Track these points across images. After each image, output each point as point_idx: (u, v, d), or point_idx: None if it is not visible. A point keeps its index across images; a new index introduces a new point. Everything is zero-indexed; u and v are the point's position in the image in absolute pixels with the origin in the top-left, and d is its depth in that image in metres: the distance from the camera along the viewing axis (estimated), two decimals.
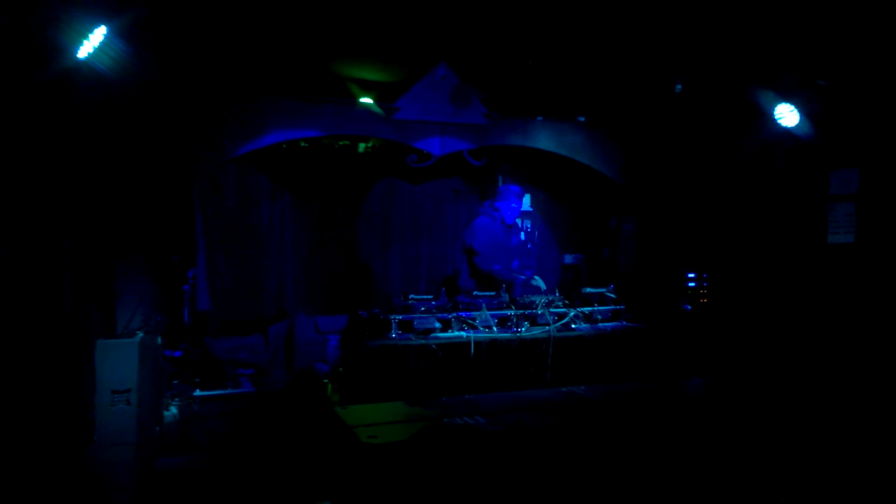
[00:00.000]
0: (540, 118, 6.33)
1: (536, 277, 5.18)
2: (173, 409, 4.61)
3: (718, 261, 5.81)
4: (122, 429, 3.84)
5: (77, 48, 3.66)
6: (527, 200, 7.06)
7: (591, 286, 5.34)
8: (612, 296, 5.23)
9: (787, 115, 4.99)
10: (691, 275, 5.86)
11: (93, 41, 3.66)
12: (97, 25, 3.64)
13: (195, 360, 5.13)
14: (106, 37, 3.71)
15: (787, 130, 5.05)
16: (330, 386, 4.84)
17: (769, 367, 4.99)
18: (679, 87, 5.45)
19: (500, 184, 6.51)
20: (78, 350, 3.92)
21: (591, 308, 5.08)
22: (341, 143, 6.23)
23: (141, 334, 4.18)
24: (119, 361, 3.87)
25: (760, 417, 3.98)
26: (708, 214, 5.99)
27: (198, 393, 4.88)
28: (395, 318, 4.46)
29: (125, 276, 4.43)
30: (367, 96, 5.59)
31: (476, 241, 5.26)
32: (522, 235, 5.59)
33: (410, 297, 4.61)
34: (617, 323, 5.13)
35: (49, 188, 3.74)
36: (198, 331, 5.35)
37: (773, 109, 5.04)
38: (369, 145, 6.35)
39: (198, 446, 4.20)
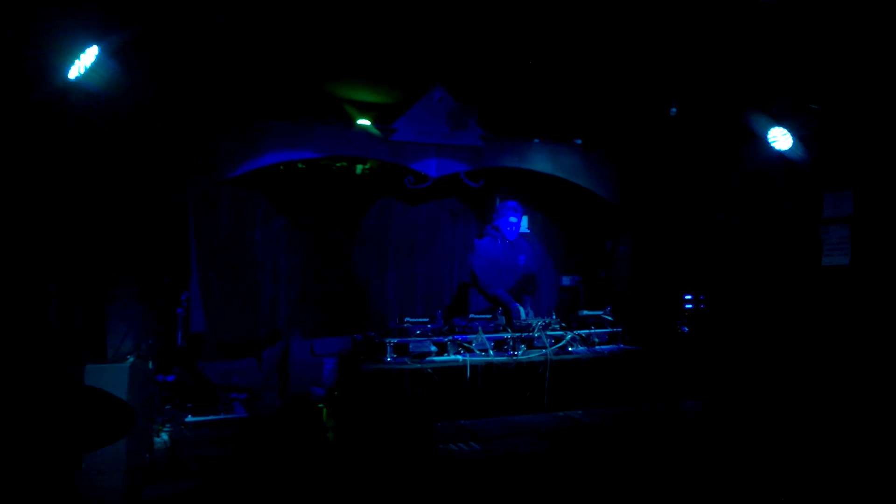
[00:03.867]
0: (536, 140, 6.35)
1: (517, 305, 5.13)
2: (164, 436, 4.53)
3: (714, 283, 5.79)
4: (112, 456, 3.78)
5: (68, 68, 3.63)
6: (524, 222, 7.05)
7: (589, 308, 5.31)
8: (609, 318, 5.20)
9: (780, 138, 5.02)
10: (688, 297, 5.83)
11: (84, 61, 3.63)
12: (89, 45, 3.62)
13: (187, 385, 5.05)
14: (98, 57, 3.68)
15: (780, 154, 5.08)
16: (325, 411, 4.77)
17: (766, 389, 4.94)
18: (674, 110, 5.50)
19: (497, 202, 6.49)
20: (67, 376, 3.84)
21: (587, 331, 5.04)
22: (339, 164, 6.23)
23: (132, 359, 4.12)
24: (109, 387, 3.82)
25: (758, 440, 3.93)
26: (703, 236, 5.99)
27: (189, 419, 4.80)
28: (390, 342, 4.42)
29: (116, 300, 4.36)
30: (365, 118, 5.60)
31: (476, 265, 5.27)
32: (522, 258, 5.54)
33: (406, 319, 4.57)
34: (614, 346, 5.09)
35: (36, 211, 3.69)
36: (190, 354, 5.28)
37: (767, 133, 5.07)
38: (367, 167, 6.35)
39: (188, 473, 4.11)
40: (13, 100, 3.47)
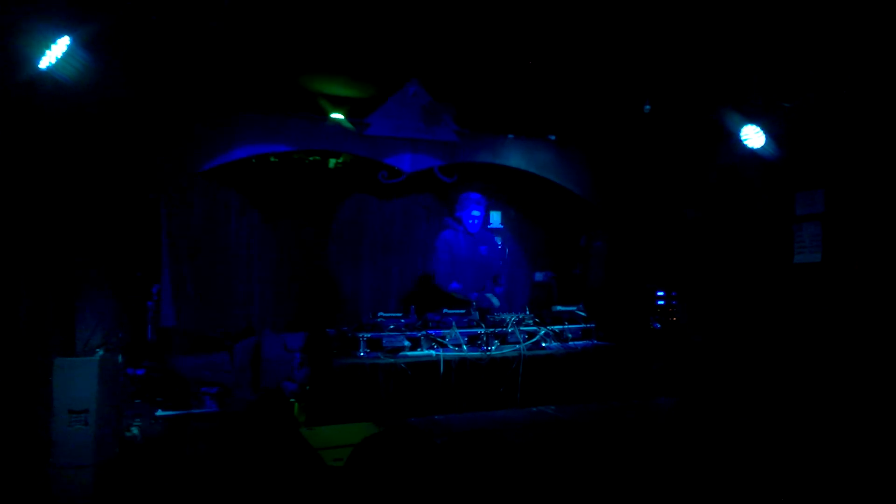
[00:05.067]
0: (511, 136, 6.37)
1: (489, 294, 5.15)
2: (135, 430, 4.47)
3: (687, 279, 5.89)
4: (80, 449, 3.77)
5: (39, 58, 3.55)
6: (497, 217, 7.08)
7: (562, 304, 5.36)
8: (583, 314, 5.26)
9: (753, 136, 5.09)
10: (661, 293, 5.92)
11: (55, 51, 3.56)
12: (60, 35, 3.55)
13: (158, 379, 4.99)
14: (69, 47, 3.61)
15: (753, 151, 5.16)
16: (297, 405, 4.75)
17: (737, 385, 5.05)
18: (648, 107, 5.57)
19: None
20: (35, 369, 3.78)
21: (561, 326, 5.10)
22: (312, 158, 6.18)
23: (101, 352, 4.07)
24: (77, 380, 3.79)
25: (729, 436, 4.01)
26: (676, 233, 6.08)
27: (160, 413, 4.74)
28: (363, 336, 4.42)
29: (86, 293, 4.29)
30: (338, 112, 5.56)
31: (434, 259, 5.25)
32: (484, 249, 5.50)
33: (379, 314, 4.57)
34: (587, 341, 5.15)
35: (3, 202, 3.62)
36: (161, 348, 5.21)
37: (740, 131, 5.15)
38: (340, 161, 6.31)
39: (158, 468, 4.06)
40: None
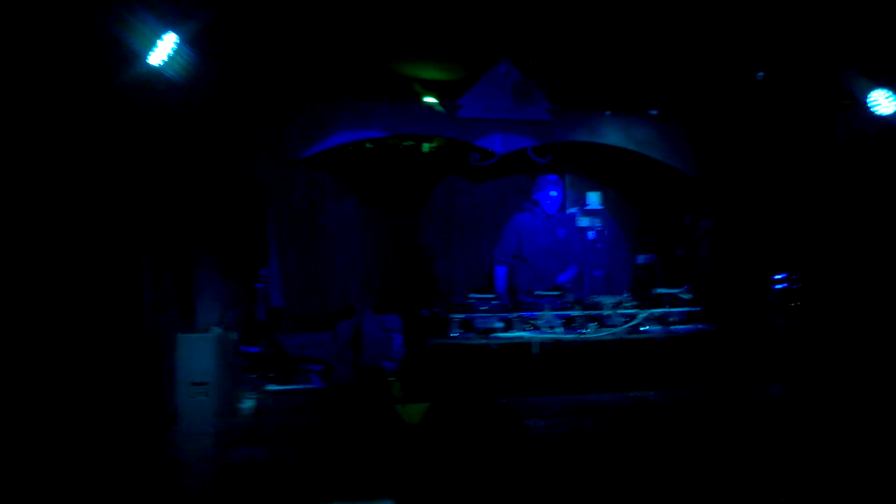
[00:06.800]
0: (608, 112, 6.11)
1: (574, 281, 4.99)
2: (249, 403, 4.79)
3: (806, 262, 5.39)
4: (202, 419, 4.02)
5: (148, 54, 3.85)
6: (596, 198, 6.83)
7: (666, 287, 5.11)
8: (687, 297, 4.98)
9: (882, 101, 4.57)
10: (778, 276, 5.46)
11: (163, 48, 3.84)
12: (166, 32, 3.82)
13: (269, 356, 5.31)
14: (177, 44, 3.89)
15: (883, 119, 4.63)
16: (397, 384, 4.89)
17: (858, 375, 4.59)
18: (761, 74, 5.13)
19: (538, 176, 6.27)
20: (160, 347, 4.13)
21: (662, 310, 4.86)
22: (406, 143, 6.28)
23: (218, 330, 4.35)
24: (198, 355, 4.06)
25: (847, 428, 3.67)
26: (792, 211, 5.57)
27: (270, 388, 5.04)
28: (456, 317, 4.46)
29: (202, 275, 4.64)
30: (430, 95, 5.60)
31: (501, 242, 5.15)
32: (563, 232, 5.31)
33: (471, 296, 4.59)
34: (692, 326, 4.87)
35: (126, 195, 3.98)
36: (271, 327, 5.55)
37: (867, 96, 4.63)
38: (433, 145, 6.37)
39: (271, 438, 4.33)
40: (102, 84, 3.72)
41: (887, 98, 4.55)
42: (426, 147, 6.38)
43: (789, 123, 5.59)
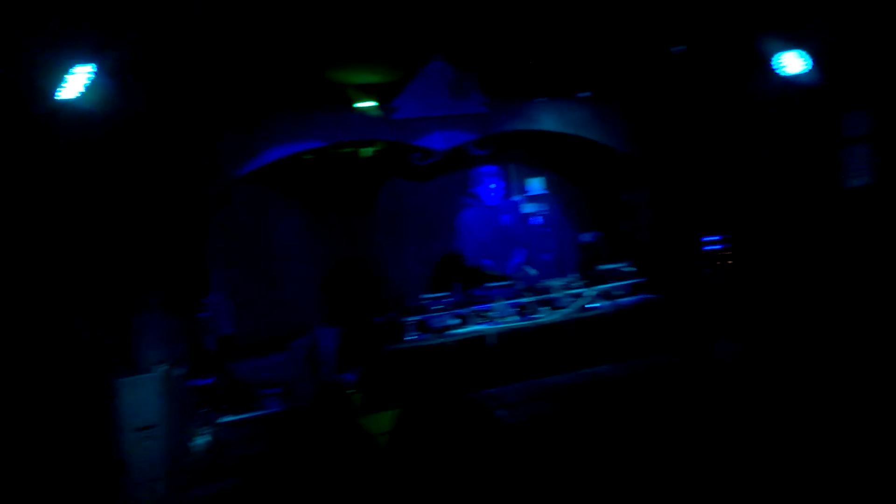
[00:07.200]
0: (543, 99, 6.18)
1: (525, 267, 5.02)
2: (203, 438, 4.65)
3: (738, 222, 5.57)
4: (152, 463, 3.87)
5: (60, 89, 3.68)
6: (539, 184, 6.91)
7: (610, 262, 5.20)
8: (630, 269, 5.08)
9: (792, 62, 4.75)
10: (711, 238, 5.63)
11: (78, 80, 3.68)
12: (81, 64, 3.66)
13: (221, 386, 5.17)
14: (92, 75, 3.73)
15: (792, 78, 4.81)
16: (357, 396, 4.84)
17: (795, 322, 4.76)
18: (680, 48, 5.26)
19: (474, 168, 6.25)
20: (99, 391, 3.94)
21: (608, 285, 4.95)
22: (345, 150, 6.20)
23: (162, 367, 4.19)
24: (141, 397, 3.90)
25: (794, 375, 3.80)
26: (720, 176, 5.75)
27: (226, 419, 4.92)
28: (410, 320, 4.43)
29: (141, 311, 4.47)
30: (365, 100, 5.54)
31: (459, 240, 5.16)
32: (507, 219, 5.34)
33: (422, 296, 4.58)
34: (637, 297, 4.98)
35: (51, 232, 3.79)
36: (221, 356, 5.40)
37: (778, 59, 4.81)
38: (374, 149, 6.31)
39: (229, 471, 4.22)
40: (9, 121, 3.53)
41: (796, 59, 4.72)
42: (366, 152, 6.31)
43: (709, 93, 5.75)
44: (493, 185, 5.24)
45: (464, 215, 5.26)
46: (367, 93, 5.55)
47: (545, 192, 6.95)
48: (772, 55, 4.80)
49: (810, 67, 4.70)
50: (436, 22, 4.75)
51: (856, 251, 4.56)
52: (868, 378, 3.83)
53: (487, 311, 4.58)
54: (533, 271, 4.98)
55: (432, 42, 5.30)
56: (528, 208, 5.49)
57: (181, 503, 3.81)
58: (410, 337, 4.39)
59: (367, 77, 5.45)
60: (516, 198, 5.29)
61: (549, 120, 6.22)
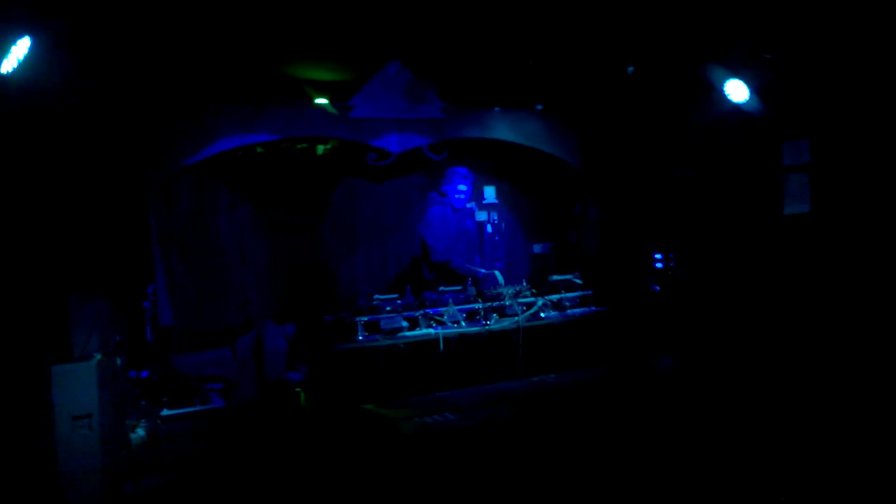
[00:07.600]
0: (497, 109, 6.30)
1: (496, 272, 5.08)
2: (140, 431, 4.49)
3: (681, 239, 5.85)
4: (86, 454, 3.73)
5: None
6: (492, 192, 7.00)
7: (559, 273, 5.33)
8: (579, 281, 5.23)
9: (736, 90, 5.04)
10: (658, 255, 5.89)
11: (16, 54, 3.48)
12: (20, 37, 3.46)
13: (161, 379, 4.99)
14: (31, 49, 3.53)
15: (737, 105, 5.10)
16: (303, 395, 4.76)
17: (733, 341, 5.05)
18: (631, 68, 5.48)
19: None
20: (33, 378, 3.77)
21: (558, 295, 5.08)
22: (299, 146, 6.11)
23: (99, 356, 4.05)
24: (77, 386, 3.77)
25: (729, 390, 4.02)
26: (666, 194, 6.03)
27: (165, 412, 4.76)
28: (361, 320, 4.40)
29: (78, 298, 4.27)
30: (322, 97, 5.49)
31: (429, 234, 5.14)
32: (471, 224, 5.39)
33: (375, 297, 4.55)
34: (585, 308, 5.14)
35: None
36: (162, 348, 5.21)
37: (723, 85, 5.08)
38: (328, 147, 6.25)
39: (167, 467, 4.09)
40: None
41: (739, 87, 5.00)
42: (321, 149, 6.25)
43: (658, 113, 6.03)
44: (462, 188, 5.25)
45: (433, 211, 5.24)
46: (323, 90, 5.50)
47: (496, 201, 7.06)
48: (720, 82, 5.06)
49: (750, 96, 4.99)
50: (396, 25, 4.78)
51: (792, 276, 4.87)
52: (798, 394, 4.10)
53: (439, 314, 4.60)
54: (502, 279, 5.01)
55: (390, 44, 5.32)
56: (480, 216, 5.54)
57: (115, 497, 3.65)
58: (360, 337, 4.36)
59: (323, 73, 5.41)
60: (470, 205, 5.35)
61: (502, 129, 6.35)
